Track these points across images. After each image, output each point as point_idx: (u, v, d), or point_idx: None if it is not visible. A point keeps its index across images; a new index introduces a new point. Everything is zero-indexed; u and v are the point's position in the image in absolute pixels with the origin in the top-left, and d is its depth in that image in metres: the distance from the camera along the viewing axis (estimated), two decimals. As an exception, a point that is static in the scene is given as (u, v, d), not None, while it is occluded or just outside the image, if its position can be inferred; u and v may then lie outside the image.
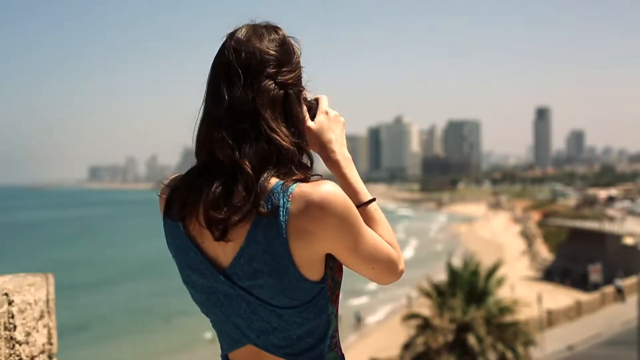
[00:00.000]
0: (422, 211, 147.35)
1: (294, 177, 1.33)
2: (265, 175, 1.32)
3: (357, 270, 1.42)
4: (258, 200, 1.29)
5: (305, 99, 1.50)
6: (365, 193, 1.49)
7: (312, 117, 1.51)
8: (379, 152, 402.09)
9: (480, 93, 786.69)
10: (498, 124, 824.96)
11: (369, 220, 1.45)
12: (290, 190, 1.30)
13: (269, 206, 1.29)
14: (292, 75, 1.42)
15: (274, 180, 1.32)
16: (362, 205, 1.46)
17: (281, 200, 1.29)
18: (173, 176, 1.46)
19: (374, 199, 1.50)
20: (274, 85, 1.38)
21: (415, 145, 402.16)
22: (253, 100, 1.35)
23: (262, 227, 1.30)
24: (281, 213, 1.29)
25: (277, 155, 1.34)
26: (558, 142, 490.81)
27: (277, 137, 1.34)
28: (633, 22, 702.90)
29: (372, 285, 42.90)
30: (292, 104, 1.40)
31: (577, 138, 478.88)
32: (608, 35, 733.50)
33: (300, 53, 1.47)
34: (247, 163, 1.31)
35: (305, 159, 1.42)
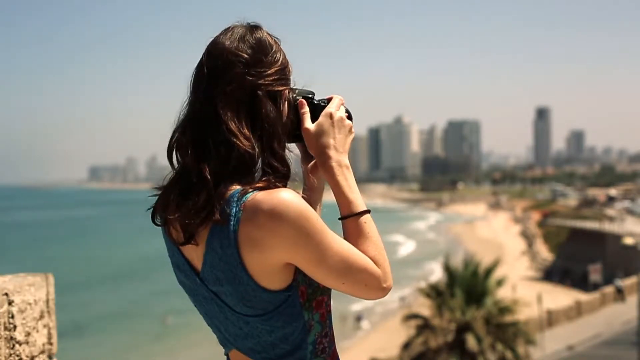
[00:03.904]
0: (430, 210, 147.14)
1: (256, 185, 1.29)
2: (225, 181, 1.29)
3: (326, 285, 1.35)
4: (213, 207, 1.26)
5: (309, 99, 1.48)
6: (358, 204, 1.41)
7: (316, 119, 1.47)
8: (379, 152, 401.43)
9: (480, 93, 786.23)
10: (498, 124, 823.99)
11: (355, 233, 1.38)
12: (245, 198, 1.26)
13: (223, 214, 1.26)
14: (265, 75, 1.36)
15: (234, 187, 1.29)
16: (351, 217, 1.40)
17: (234, 209, 1.26)
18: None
19: (366, 211, 1.41)
20: (239, 85, 1.33)
21: (415, 145, 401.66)
22: (214, 102, 1.32)
23: (218, 235, 1.27)
24: (232, 222, 1.25)
25: (236, 159, 1.30)
26: (558, 142, 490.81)
27: (236, 140, 1.29)
28: (633, 22, 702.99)
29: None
30: (260, 104, 1.34)
31: (577, 138, 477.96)
32: (608, 35, 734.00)
33: (280, 53, 1.42)
34: (206, 168, 1.28)
35: (277, 163, 1.35)
